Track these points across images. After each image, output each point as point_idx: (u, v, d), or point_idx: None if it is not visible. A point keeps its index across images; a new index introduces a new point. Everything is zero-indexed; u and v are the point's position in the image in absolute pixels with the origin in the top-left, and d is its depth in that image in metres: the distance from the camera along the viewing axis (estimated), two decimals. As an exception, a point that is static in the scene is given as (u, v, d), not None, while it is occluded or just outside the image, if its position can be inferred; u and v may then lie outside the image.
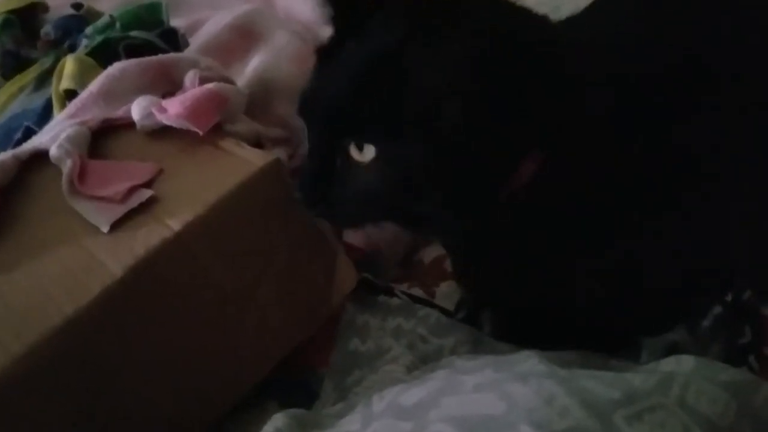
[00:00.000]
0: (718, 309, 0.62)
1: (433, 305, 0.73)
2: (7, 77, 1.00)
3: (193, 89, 0.70)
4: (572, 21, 0.63)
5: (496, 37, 0.50)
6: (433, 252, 0.79)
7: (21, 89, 0.97)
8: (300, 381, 0.69)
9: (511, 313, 0.67)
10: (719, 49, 0.57)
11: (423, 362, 0.64)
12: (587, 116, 0.54)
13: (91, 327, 0.57)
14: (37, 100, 0.91)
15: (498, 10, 0.55)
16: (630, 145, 0.54)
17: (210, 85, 0.70)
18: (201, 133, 0.67)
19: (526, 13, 0.56)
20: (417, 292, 0.75)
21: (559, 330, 0.62)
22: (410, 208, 0.54)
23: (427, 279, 0.77)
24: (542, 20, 0.57)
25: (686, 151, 0.55)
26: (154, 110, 0.69)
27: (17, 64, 1.00)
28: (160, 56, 0.77)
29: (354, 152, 0.53)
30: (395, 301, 0.72)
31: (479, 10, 0.53)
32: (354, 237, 0.78)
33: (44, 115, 0.89)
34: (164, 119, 0.68)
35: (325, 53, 0.58)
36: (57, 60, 0.94)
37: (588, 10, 0.65)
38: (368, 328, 0.70)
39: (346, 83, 0.53)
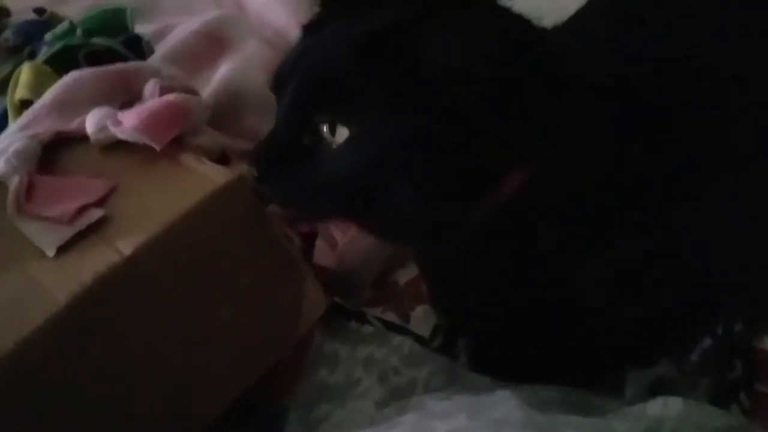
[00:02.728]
0: (707, 342, 0.58)
1: (407, 332, 0.68)
2: (-36, 84, 0.95)
3: (151, 101, 0.66)
4: (567, 24, 0.61)
5: (507, 30, 0.48)
6: (408, 273, 0.75)
7: (-22, 97, 0.92)
8: (264, 415, 0.64)
9: (489, 341, 0.63)
10: (720, 48, 0.54)
11: (394, 396, 0.60)
12: (587, 118, 0.51)
13: (34, 359, 0.52)
14: (-6, 109, 0.86)
15: (500, 11, 0.52)
16: (626, 154, 0.51)
17: (169, 97, 0.66)
18: (158, 148, 0.63)
19: (523, 17, 0.53)
20: (391, 316, 0.71)
21: (539, 361, 0.58)
22: (379, 198, 0.50)
23: (402, 302, 0.73)
24: (536, 24, 0.54)
25: (678, 172, 0.51)
26: (108, 123, 0.64)
27: (-26, 71, 0.95)
28: (119, 65, 0.72)
29: (326, 132, 0.49)
30: (367, 328, 0.68)
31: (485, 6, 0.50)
32: (325, 257, 0.73)
33: (1, 124, 0.84)
34: (119, 133, 0.64)
35: (311, 27, 0.54)
36: (17, 67, 0.89)
37: (581, 13, 0.62)
38: (338, 357, 0.66)
39: (341, 52, 0.49)
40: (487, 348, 0.64)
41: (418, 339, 0.67)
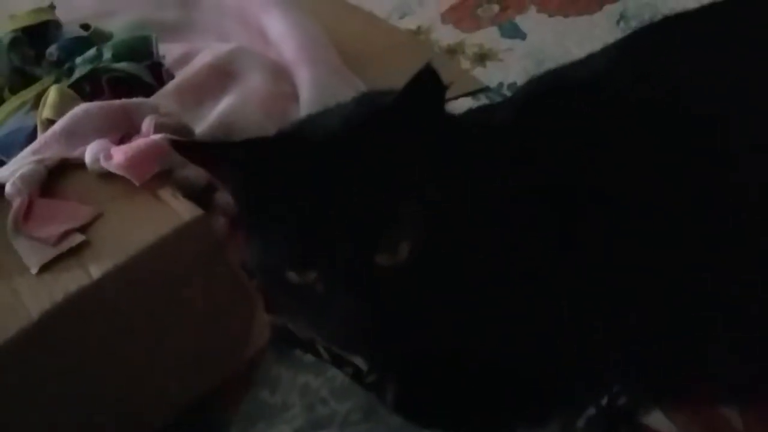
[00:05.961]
0: (591, 411, 0.61)
1: (350, 364, 0.74)
2: (14, 91, 1.06)
3: (138, 140, 0.74)
4: None
5: None
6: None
7: (22, 105, 1.03)
8: (209, 425, 0.72)
9: (412, 385, 0.68)
10: None
11: (312, 426, 0.67)
12: None
13: (4, 367, 0.62)
14: (30, 121, 0.97)
15: None
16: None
17: (157, 137, 0.74)
18: (138, 183, 0.71)
19: None
20: (340, 345, 0.77)
21: (457, 410, 0.63)
22: None
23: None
24: None
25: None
26: (101, 156, 0.73)
27: (24, 80, 1.06)
28: (124, 101, 0.81)
29: None
30: (309, 357, 0.75)
31: None
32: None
33: (34, 135, 0.95)
34: (108, 166, 0.73)
35: None
36: (58, 80, 1.00)
37: None
38: (280, 380, 0.73)
39: None
40: (409, 392, 0.69)
41: (356, 372, 0.74)
